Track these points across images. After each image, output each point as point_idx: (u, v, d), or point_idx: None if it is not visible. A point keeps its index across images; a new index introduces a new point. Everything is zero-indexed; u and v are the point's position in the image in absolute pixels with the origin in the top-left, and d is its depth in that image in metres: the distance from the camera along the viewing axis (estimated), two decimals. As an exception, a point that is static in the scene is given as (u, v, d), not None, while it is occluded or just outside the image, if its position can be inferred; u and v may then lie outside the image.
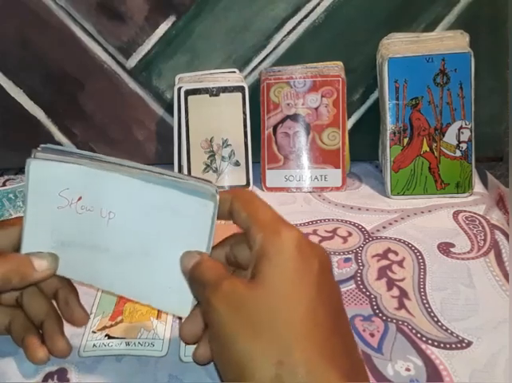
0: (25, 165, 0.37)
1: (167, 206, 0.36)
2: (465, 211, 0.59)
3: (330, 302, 0.32)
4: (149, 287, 0.38)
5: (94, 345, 0.42)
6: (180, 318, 0.43)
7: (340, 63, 0.64)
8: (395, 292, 0.48)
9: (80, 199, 0.37)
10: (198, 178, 0.36)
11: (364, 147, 0.68)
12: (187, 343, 0.39)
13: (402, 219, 0.58)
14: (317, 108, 0.63)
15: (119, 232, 0.37)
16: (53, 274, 0.39)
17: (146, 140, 0.68)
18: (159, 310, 0.44)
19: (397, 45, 0.62)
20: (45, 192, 0.37)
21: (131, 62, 0.65)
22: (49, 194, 0.37)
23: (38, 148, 0.37)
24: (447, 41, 0.61)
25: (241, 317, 0.31)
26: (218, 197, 0.35)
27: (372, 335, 0.43)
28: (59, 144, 0.68)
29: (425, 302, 0.47)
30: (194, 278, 0.35)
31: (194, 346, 0.41)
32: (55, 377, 0.41)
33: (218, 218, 0.36)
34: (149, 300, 0.38)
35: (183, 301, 0.37)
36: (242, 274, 0.36)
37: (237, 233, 0.38)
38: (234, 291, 0.32)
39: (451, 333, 0.43)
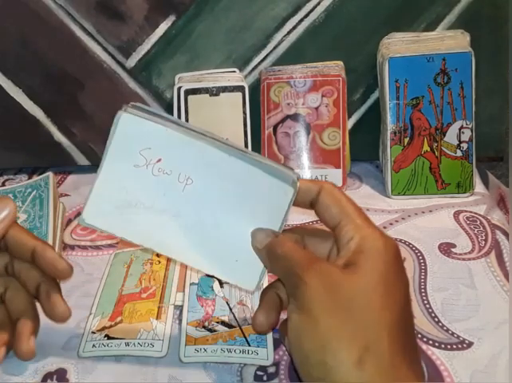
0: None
1: (247, 182, 0.37)
2: (466, 211, 0.58)
3: (411, 311, 0.34)
4: (215, 258, 0.38)
5: (93, 345, 0.42)
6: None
7: (340, 62, 0.64)
8: (396, 292, 0.48)
9: (159, 160, 0.37)
10: (279, 163, 0.37)
11: (364, 147, 0.67)
12: (258, 332, 0.39)
13: (402, 219, 0.58)
14: (317, 108, 0.63)
15: (194, 200, 0.37)
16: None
17: (146, 140, 0.67)
18: (220, 280, 0.44)
19: (398, 44, 0.61)
20: (126, 148, 0.37)
21: (131, 62, 0.65)
22: (129, 150, 0.37)
23: (129, 105, 0.37)
24: (447, 40, 0.61)
25: (334, 296, 0.31)
26: (298, 184, 0.36)
27: (373, 336, 0.43)
28: (59, 143, 0.68)
29: (426, 302, 0.46)
30: (277, 255, 0.35)
31: (195, 346, 0.41)
32: (54, 377, 0.41)
33: (297, 205, 0.37)
34: (214, 270, 0.38)
35: (250, 275, 0.38)
36: None
37: (309, 225, 0.39)
38: (330, 272, 0.32)
39: (452, 333, 0.43)
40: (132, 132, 0.37)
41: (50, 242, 0.49)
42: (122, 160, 0.37)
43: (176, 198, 0.37)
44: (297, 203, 0.37)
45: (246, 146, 0.64)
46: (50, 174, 0.59)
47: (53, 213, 0.53)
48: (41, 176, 0.59)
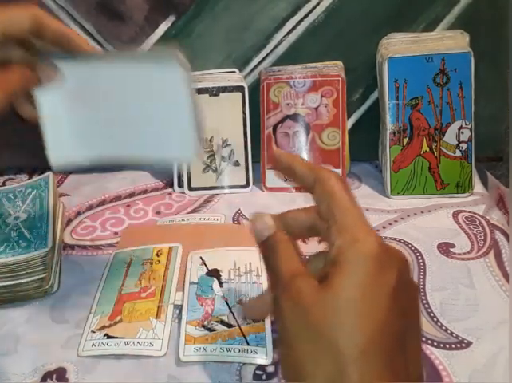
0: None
1: (142, 79, 0.40)
2: (465, 211, 0.59)
3: (404, 312, 0.31)
4: (151, 146, 0.42)
5: (93, 344, 0.42)
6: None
7: (339, 63, 0.64)
8: (395, 292, 0.48)
9: (81, 92, 0.42)
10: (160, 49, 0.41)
11: (363, 147, 0.68)
12: (249, 318, 0.40)
13: (402, 219, 0.58)
14: (316, 108, 0.63)
15: (118, 107, 0.42)
16: None
17: (146, 140, 0.68)
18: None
19: (397, 44, 0.61)
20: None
21: (131, 62, 0.65)
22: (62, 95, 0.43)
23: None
24: (446, 40, 0.61)
25: (305, 320, 0.31)
26: (181, 57, 0.38)
27: (372, 335, 0.43)
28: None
29: (425, 302, 0.47)
30: (270, 262, 0.34)
31: (194, 345, 0.41)
32: (54, 376, 0.41)
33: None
34: (150, 153, 0.42)
35: (184, 149, 0.41)
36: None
37: None
38: (302, 295, 0.31)
39: (451, 333, 0.43)
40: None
41: (50, 242, 0.49)
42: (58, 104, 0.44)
43: (107, 111, 0.42)
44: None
45: (246, 146, 0.64)
46: (50, 174, 0.59)
47: (53, 213, 0.53)
48: (41, 176, 0.59)
